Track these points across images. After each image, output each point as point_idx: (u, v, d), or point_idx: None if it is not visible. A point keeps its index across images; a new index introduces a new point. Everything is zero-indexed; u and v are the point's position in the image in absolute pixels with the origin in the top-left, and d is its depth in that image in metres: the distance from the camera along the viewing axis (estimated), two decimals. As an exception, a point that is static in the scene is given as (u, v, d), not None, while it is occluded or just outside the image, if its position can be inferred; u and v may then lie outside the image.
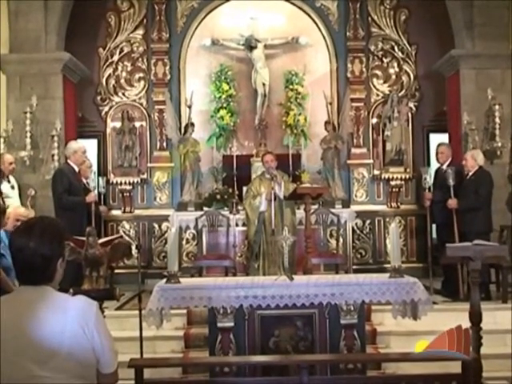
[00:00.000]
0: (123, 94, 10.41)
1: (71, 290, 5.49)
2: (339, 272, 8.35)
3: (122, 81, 10.43)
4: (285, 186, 7.84)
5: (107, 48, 10.40)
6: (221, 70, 10.28)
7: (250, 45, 10.13)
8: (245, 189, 8.77)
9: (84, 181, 8.25)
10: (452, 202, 7.61)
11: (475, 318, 4.71)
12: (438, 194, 8.04)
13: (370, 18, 10.42)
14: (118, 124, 10.22)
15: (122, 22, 10.39)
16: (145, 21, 10.40)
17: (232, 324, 5.15)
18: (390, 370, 5.82)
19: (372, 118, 10.32)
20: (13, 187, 8.11)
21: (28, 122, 8.96)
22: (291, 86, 10.22)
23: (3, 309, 2.41)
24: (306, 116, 10.20)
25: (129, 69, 10.43)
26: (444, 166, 8.16)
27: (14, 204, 7.49)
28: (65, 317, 2.37)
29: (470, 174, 7.79)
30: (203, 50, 10.46)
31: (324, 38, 10.37)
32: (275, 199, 7.66)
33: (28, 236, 2.41)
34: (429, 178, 8.19)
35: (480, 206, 7.57)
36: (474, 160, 7.78)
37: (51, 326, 2.34)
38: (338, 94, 10.29)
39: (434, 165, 8.92)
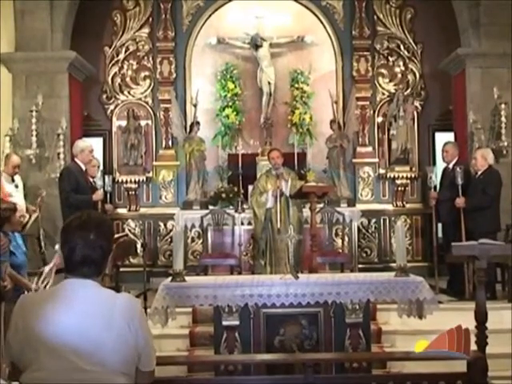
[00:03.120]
0: (129, 93, 10.42)
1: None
2: (344, 271, 8.34)
3: (128, 79, 10.43)
4: (292, 184, 7.83)
5: (113, 46, 10.40)
6: (226, 68, 10.28)
7: (255, 43, 10.11)
8: (250, 187, 8.77)
9: (91, 179, 8.25)
10: (460, 201, 7.54)
11: (481, 317, 4.71)
12: (444, 193, 8.00)
13: (375, 17, 10.39)
14: (123, 122, 10.21)
15: (128, 21, 10.39)
16: (150, 19, 10.39)
17: (237, 322, 5.15)
18: (395, 369, 5.81)
19: (377, 116, 10.30)
20: (17, 186, 8.11)
21: (34, 120, 8.96)
22: (297, 85, 10.21)
23: (48, 300, 2.42)
24: (312, 115, 10.20)
25: (134, 67, 10.43)
26: (450, 165, 8.11)
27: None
28: (112, 312, 2.38)
29: (479, 172, 7.72)
30: (209, 48, 10.45)
31: (330, 36, 10.35)
32: (281, 195, 7.67)
33: (86, 229, 2.45)
34: (434, 177, 8.17)
35: (488, 205, 7.52)
36: (484, 159, 7.71)
37: (97, 320, 2.36)
38: (343, 93, 10.28)
39: (440, 164, 8.89)
